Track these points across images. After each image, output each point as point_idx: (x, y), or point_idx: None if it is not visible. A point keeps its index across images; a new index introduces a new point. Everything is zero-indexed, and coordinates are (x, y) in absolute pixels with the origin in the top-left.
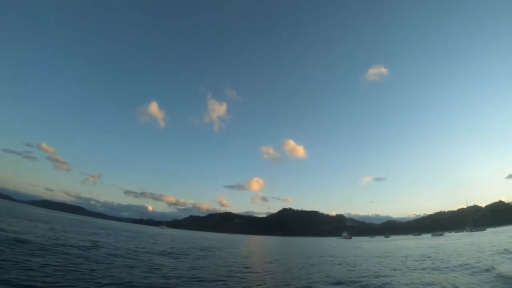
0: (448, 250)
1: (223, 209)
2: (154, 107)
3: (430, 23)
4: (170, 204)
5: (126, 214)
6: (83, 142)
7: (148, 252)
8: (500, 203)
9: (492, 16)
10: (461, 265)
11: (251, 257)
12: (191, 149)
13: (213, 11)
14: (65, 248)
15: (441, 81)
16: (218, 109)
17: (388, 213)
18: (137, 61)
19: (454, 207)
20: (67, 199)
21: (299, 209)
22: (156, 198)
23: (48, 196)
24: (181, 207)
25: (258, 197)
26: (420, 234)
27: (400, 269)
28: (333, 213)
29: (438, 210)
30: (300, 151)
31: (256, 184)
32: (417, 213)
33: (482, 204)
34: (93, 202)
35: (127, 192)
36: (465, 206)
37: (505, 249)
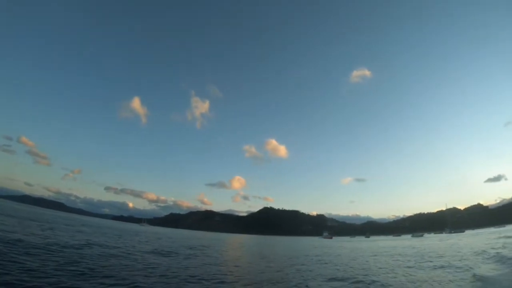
0: (430, 250)
1: (204, 207)
2: (136, 103)
3: (413, 28)
4: (151, 201)
5: (106, 211)
6: (64, 136)
7: (139, 251)
8: (479, 206)
9: (473, 19)
10: (442, 266)
11: (241, 256)
12: (172, 146)
13: (196, 8)
14: (58, 247)
15: (422, 84)
16: (201, 106)
17: (368, 213)
18: (120, 56)
19: (433, 209)
20: (46, 194)
21: (280, 208)
22: (137, 194)
23: (27, 191)
24: (162, 205)
25: (239, 196)
26: (400, 235)
27: (387, 268)
28: (314, 212)
29: (417, 212)
30: (282, 150)
31: (237, 183)
32: (396, 214)
33: (461, 206)
34: (73, 198)
35: (107, 188)
36: (444, 208)
37: (483, 251)
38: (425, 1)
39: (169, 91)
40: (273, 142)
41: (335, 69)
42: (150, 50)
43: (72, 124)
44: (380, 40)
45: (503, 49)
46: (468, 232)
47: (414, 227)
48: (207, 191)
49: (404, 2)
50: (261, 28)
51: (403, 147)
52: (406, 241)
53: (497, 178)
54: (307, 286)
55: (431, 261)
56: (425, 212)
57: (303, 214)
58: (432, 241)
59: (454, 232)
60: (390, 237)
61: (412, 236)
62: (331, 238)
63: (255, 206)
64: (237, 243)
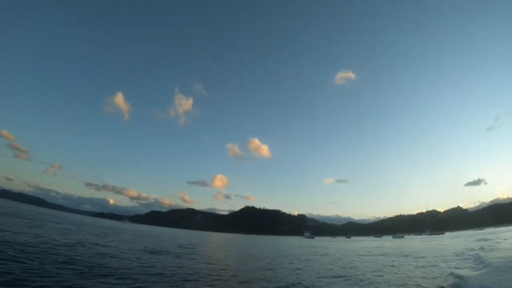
0: (412, 251)
1: (185, 205)
2: (119, 98)
3: (398, 31)
4: (132, 198)
5: (87, 207)
6: (45, 130)
7: (130, 249)
8: (458, 208)
9: (459, 22)
10: (424, 265)
11: (229, 255)
12: (155, 142)
13: (183, 6)
14: (52, 245)
15: (404, 89)
16: (185, 103)
17: (349, 214)
18: (104, 51)
19: (414, 211)
20: (26, 189)
21: (262, 208)
22: (118, 191)
23: (7, 185)
24: (143, 202)
25: (220, 194)
26: (380, 236)
27: (373, 267)
28: (295, 212)
29: (398, 213)
30: (265, 150)
31: (219, 181)
32: (377, 216)
33: (441, 209)
34: (53, 194)
35: (88, 185)
36: (424, 211)
37: (462, 252)
38: (410, 5)
39: (153, 87)
40: (256, 141)
41: (320, 71)
42: (134, 46)
43: (54, 118)
44: (364, 42)
45: (483, 55)
46: (448, 234)
47: (394, 229)
48: (189, 189)
49: (390, 5)
50: (247, 28)
51: (385, 150)
52: (387, 242)
53: (476, 182)
54: (299, 283)
55: (414, 261)
56: (406, 214)
57: (284, 213)
58: (414, 242)
59: (434, 234)
60: (371, 237)
61: (393, 237)
62: (312, 238)
63: (237, 205)
64: (222, 242)
